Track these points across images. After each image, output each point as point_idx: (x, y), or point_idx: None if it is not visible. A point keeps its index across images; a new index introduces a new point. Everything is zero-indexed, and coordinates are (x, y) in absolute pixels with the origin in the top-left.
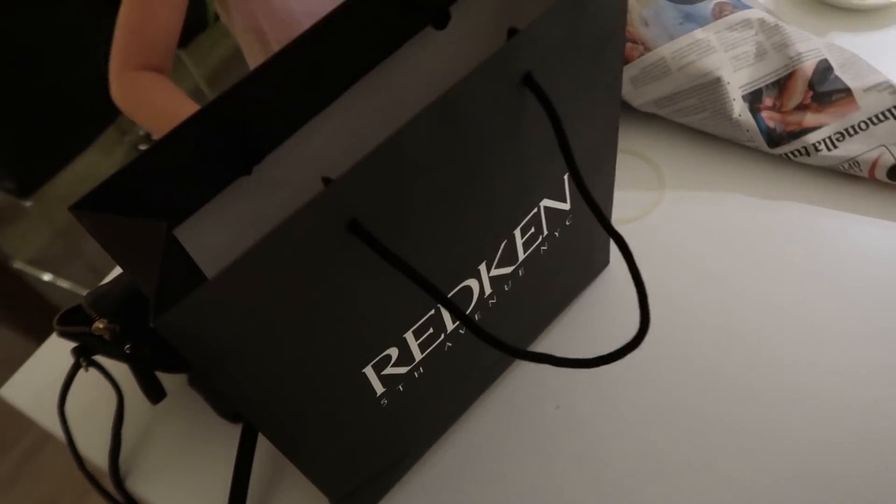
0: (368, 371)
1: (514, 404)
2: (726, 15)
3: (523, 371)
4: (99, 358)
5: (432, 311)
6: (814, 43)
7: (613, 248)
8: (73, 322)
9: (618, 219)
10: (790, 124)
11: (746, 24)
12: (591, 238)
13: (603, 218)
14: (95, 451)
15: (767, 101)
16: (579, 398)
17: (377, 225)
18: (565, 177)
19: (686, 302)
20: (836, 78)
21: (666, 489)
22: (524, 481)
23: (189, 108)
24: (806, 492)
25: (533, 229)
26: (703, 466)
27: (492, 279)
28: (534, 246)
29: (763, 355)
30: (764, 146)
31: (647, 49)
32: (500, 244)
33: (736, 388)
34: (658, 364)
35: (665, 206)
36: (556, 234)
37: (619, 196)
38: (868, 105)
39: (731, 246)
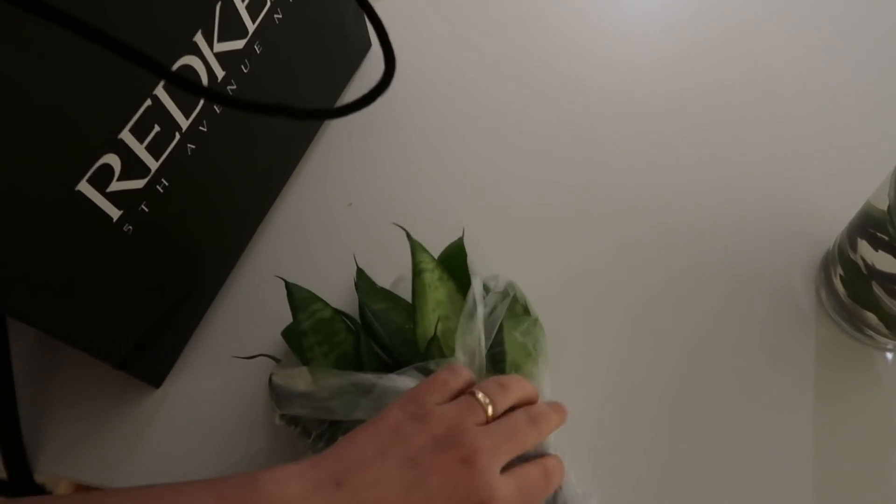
0: (86, 188)
1: (302, 216)
2: None
3: (305, 180)
4: None
5: (149, 102)
6: None
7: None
8: None
9: None
10: None
11: None
12: (336, 6)
13: None
14: None
15: None
16: (369, 192)
17: None
18: None
19: (451, 57)
20: None
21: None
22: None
23: None
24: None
25: None
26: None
27: (220, 56)
28: (263, 12)
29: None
30: None
31: None
32: (215, 7)
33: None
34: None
35: None
36: None
37: None
38: None
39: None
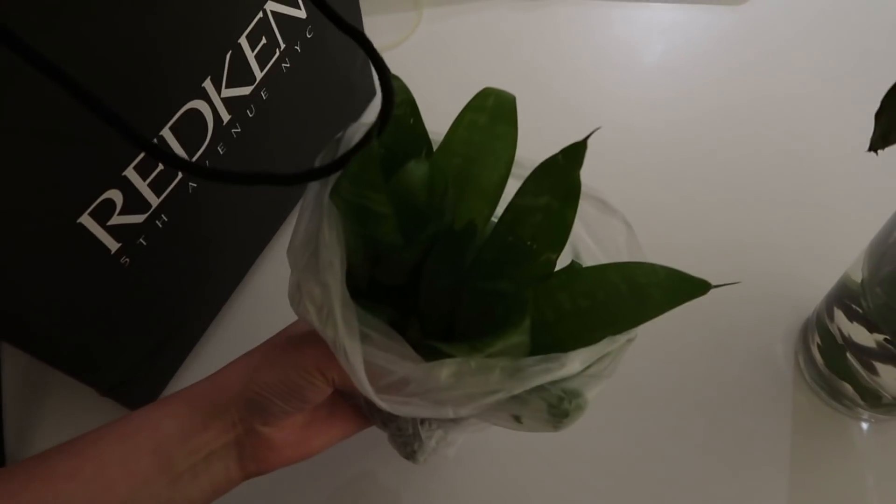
0: (87, 221)
1: None
2: None
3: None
4: None
5: (153, 141)
6: None
7: None
8: None
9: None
10: None
11: None
12: (345, 56)
13: (341, 22)
14: None
15: None
16: None
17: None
18: None
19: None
20: None
21: None
22: None
23: None
24: None
25: (265, 40)
26: None
27: (227, 101)
28: (272, 61)
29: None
30: None
31: None
32: (225, 55)
33: None
34: None
35: (425, 26)
36: (297, 48)
37: (372, 22)
38: None
39: (501, 54)
